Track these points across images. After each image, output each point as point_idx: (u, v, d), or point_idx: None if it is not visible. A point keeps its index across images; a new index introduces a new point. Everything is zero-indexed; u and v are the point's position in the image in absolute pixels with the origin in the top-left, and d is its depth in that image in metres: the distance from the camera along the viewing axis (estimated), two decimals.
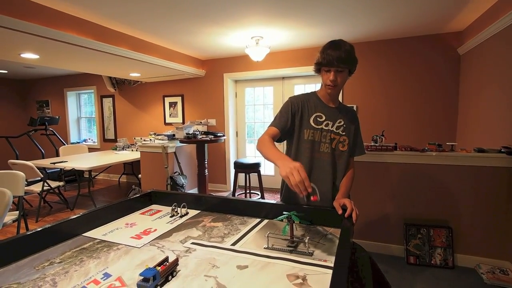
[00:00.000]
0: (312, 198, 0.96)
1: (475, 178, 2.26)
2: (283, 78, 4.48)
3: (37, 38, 2.51)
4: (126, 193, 4.74)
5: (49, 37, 2.51)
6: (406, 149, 2.46)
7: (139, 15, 2.75)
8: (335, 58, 1.19)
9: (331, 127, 1.31)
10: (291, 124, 1.31)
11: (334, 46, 1.22)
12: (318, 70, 1.30)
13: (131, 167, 5.42)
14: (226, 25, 3.09)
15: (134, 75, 4.70)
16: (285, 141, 1.40)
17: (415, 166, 2.42)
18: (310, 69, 4.13)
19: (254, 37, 3.48)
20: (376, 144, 2.53)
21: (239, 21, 2.96)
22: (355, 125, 1.38)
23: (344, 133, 1.32)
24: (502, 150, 2.21)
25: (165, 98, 5.20)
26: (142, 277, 0.71)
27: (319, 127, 1.31)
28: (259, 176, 3.62)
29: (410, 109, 3.67)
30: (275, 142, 1.23)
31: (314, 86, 4.38)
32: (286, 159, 1.00)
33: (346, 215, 1.06)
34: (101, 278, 0.77)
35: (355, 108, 3.92)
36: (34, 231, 0.95)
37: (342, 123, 1.33)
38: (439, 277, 2.17)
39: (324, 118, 1.31)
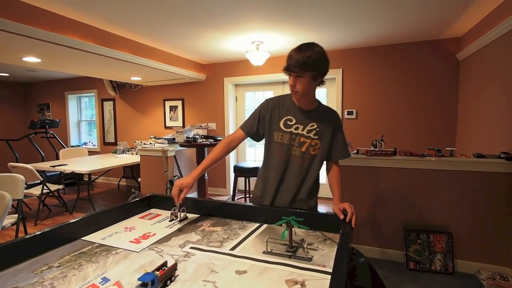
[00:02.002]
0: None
1: (475, 184, 2.26)
2: (283, 82, 4.50)
3: (39, 42, 2.53)
4: (126, 196, 4.73)
5: (51, 41, 2.54)
6: (406, 154, 2.47)
7: (141, 19, 2.77)
8: (293, 62, 1.16)
9: (301, 130, 1.31)
10: (257, 128, 1.37)
11: (298, 50, 1.18)
12: (285, 73, 1.26)
13: (131, 171, 5.42)
14: (227, 30, 3.12)
15: (135, 79, 4.72)
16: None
17: (415, 171, 2.42)
18: None
19: (255, 42, 3.50)
20: (376, 149, 2.54)
21: (240, 26, 2.98)
22: (333, 128, 1.33)
23: (316, 137, 1.30)
24: (501, 156, 2.21)
25: (166, 102, 5.22)
26: (140, 282, 0.70)
27: (289, 130, 1.31)
28: None
29: (410, 114, 3.68)
30: (253, 139, 1.39)
31: None
32: (190, 174, 1.27)
33: (347, 220, 1.06)
34: (100, 283, 0.77)
35: (354, 113, 3.93)
36: (33, 234, 0.95)
37: (315, 126, 1.31)
38: (439, 283, 2.16)
39: (294, 121, 1.32)
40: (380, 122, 3.82)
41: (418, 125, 3.65)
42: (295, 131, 1.31)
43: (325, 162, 1.38)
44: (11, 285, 0.76)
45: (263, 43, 3.55)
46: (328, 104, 4.44)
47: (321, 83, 1.26)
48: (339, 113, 4.02)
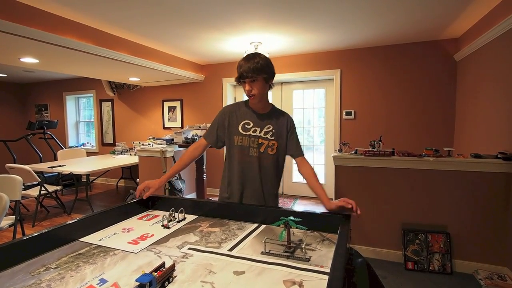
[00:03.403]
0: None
1: (473, 184, 2.27)
2: (282, 83, 4.51)
3: (37, 42, 2.52)
4: (124, 197, 4.71)
5: (49, 41, 2.53)
6: (404, 154, 2.47)
7: (139, 20, 2.77)
8: (246, 69, 1.30)
9: (259, 132, 1.41)
10: (217, 135, 1.48)
11: (246, 59, 1.33)
12: (238, 82, 1.39)
13: (130, 172, 5.40)
14: (226, 31, 3.12)
15: (134, 79, 4.71)
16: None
17: (413, 171, 2.42)
18: (308, 75, 4.17)
19: (253, 42, 3.51)
20: (374, 149, 2.54)
21: (239, 26, 2.99)
22: (287, 129, 1.45)
23: (273, 138, 1.41)
24: (499, 156, 2.22)
25: (164, 102, 5.22)
26: (138, 283, 0.70)
27: (247, 133, 1.41)
28: None
29: (408, 114, 3.70)
30: (215, 147, 1.51)
31: (312, 91, 4.40)
32: (159, 178, 1.42)
33: (354, 208, 1.12)
34: (97, 284, 0.77)
35: (352, 113, 3.94)
36: (30, 236, 0.95)
37: (271, 128, 1.42)
38: (437, 283, 2.17)
39: (251, 125, 1.42)
40: (378, 122, 3.83)
41: (416, 126, 3.66)
42: (253, 134, 1.41)
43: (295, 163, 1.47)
44: (8, 287, 0.76)
45: (261, 43, 3.55)
46: (327, 105, 4.43)
47: (271, 86, 1.43)
48: (338, 113, 4.02)
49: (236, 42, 3.52)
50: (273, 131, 1.42)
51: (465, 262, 2.30)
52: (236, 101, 1.54)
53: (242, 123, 1.43)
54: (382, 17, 2.78)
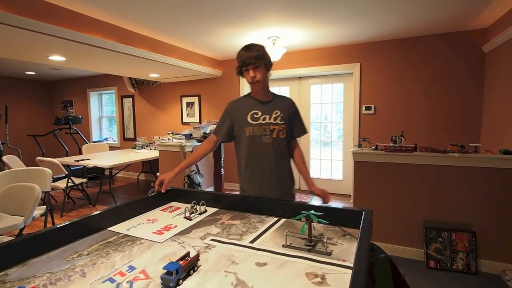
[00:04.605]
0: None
1: (501, 181, 2.17)
2: (299, 78, 4.46)
3: (63, 41, 2.63)
4: (145, 190, 4.87)
5: (75, 40, 2.63)
6: (427, 150, 2.39)
7: (158, 15, 2.81)
8: (249, 56, 1.39)
9: (269, 119, 1.47)
10: (226, 130, 1.54)
11: (246, 48, 1.42)
12: (240, 73, 1.47)
13: (150, 166, 5.56)
14: (243, 26, 3.12)
15: (153, 75, 4.82)
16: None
17: (436, 167, 2.34)
18: (326, 69, 4.11)
19: (271, 37, 3.49)
20: (396, 145, 2.48)
21: (256, 21, 2.97)
22: (292, 111, 1.54)
23: (282, 122, 1.48)
24: None
25: (183, 98, 5.31)
26: (165, 270, 0.73)
27: (257, 122, 1.47)
28: None
29: (430, 109, 3.56)
30: (225, 142, 1.60)
31: (331, 85, 4.33)
32: (172, 170, 1.48)
33: (326, 201, 1.40)
34: (126, 271, 0.81)
35: (372, 108, 3.84)
36: (63, 224, 1.01)
37: (279, 113, 1.49)
38: (461, 282, 2.10)
39: (260, 113, 1.48)
40: (398, 117, 3.72)
41: (439, 121, 3.53)
42: (263, 122, 1.47)
43: None
44: (45, 271, 0.81)
45: (279, 38, 3.52)
46: (346, 99, 4.36)
47: (269, 73, 1.51)
48: (357, 108, 3.94)
49: (253, 37, 3.51)
50: (282, 115, 1.49)
51: (491, 262, 2.21)
52: (241, 96, 1.64)
53: (250, 113, 1.49)
54: (403, 8, 2.68)
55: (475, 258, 2.21)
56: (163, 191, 1.41)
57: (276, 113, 1.49)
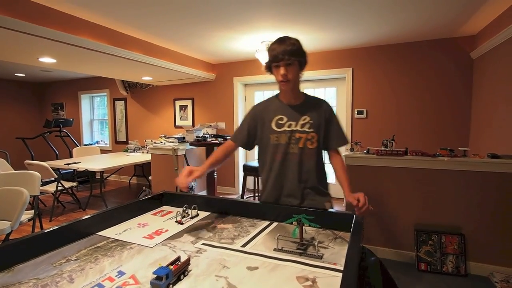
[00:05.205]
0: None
1: (489, 184, 2.21)
2: None
3: (54, 42, 2.60)
4: (137, 194, 4.81)
5: (66, 42, 2.60)
6: (418, 154, 2.43)
7: (151, 19, 2.81)
8: (281, 51, 1.20)
9: (295, 126, 1.30)
10: (248, 137, 1.39)
11: (279, 41, 1.24)
12: (269, 68, 1.30)
13: (142, 169, 5.50)
14: (237, 30, 3.13)
15: (146, 78, 4.79)
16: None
17: (426, 171, 2.38)
18: (319, 73, 4.15)
19: (264, 41, 3.51)
20: (387, 149, 2.51)
21: (250, 25, 2.99)
22: (327, 117, 1.34)
23: (311, 130, 1.29)
24: None
25: (176, 101, 5.28)
26: (155, 276, 0.72)
27: (282, 129, 1.31)
28: None
29: (421, 113, 3.63)
30: (245, 149, 1.44)
31: (323, 90, 4.37)
32: (202, 166, 1.29)
33: (360, 204, 1.11)
34: (116, 276, 0.80)
35: (364, 112, 3.89)
36: (51, 229, 0.99)
37: (308, 119, 1.30)
38: (451, 285, 2.13)
39: (285, 119, 1.32)
40: (390, 121, 3.78)
41: (429, 125, 3.59)
42: (289, 129, 1.31)
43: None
44: (32, 276, 0.80)
45: None
46: (338, 103, 4.39)
47: (302, 73, 1.32)
48: (349, 112, 3.98)
49: (247, 41, 3.53)
50: (311, 122, 1.30)
51: (480, 265, 2.25)
52: (267, 98, 1.43)
53: (275, 119, 1.33)
54: (395, 15, 2.73)
55: (464, 261, 2.25)
56: (190, 180, 1.20)
57: (305, 119, 1.30)
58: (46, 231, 0.98)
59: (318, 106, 1.34)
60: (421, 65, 3.58)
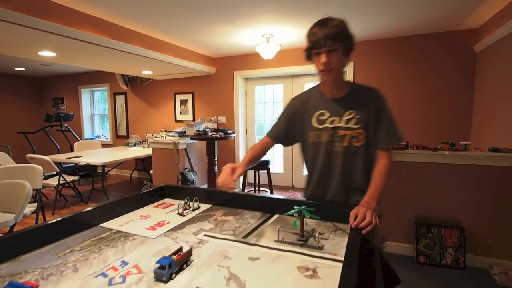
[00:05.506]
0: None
1: (490, 178, 2.22)
2: (293, 76, 4.48)
3: (54, 36, 2.59)
4: (138, 188, 4.83)
5: (66, 35, 2.59)
6: (418, 148, 2.43)
7: (152, 12, 2.79)
8: (322, 36, 1.03)
9: (338, 123, 1.15)
10: (285, 132, 1.27)
11: (320, 24, 1.06)
12: (309, 56, 1.13)
13: (143, 163, 5.52)
14: (237, 23, 3.11)
15: (146, 72, 4.78)
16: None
17: (427, 165, 2.39)
18: None
19: (265, 35, 3.49)
20: None
21: (250, 18, 2.97)
22: (376, 110, 1.14)
23: (357, 126, 1.13)
24: None
25: (176, 95, 5.27)
26: (158, 265, 0.74)
27: (323, 126, 1.17)
28: (269, 173, 3.64)
29: (422, 107, 3.62)
30: (282, 146, 1.32)
31: None
32: (241, 163, 1.20)
33: (353, 225, 0.94)
34: (119, 265, 0.81)
35: None
36: (55, 220, 1.00)
37: (353, 114, 1.14)
38: (449, 277, 2.15)
39: (327, 115, 1.17)
40: None
41: (431, 119, 3.59)
42: (331, 126, 1.16)
43: None
44: (37, 266, 0.81)
45: (273, 36, 3.53)
46: None
47: (348, 61, 1.13)
48: None
49: (247, 35, 3.51)
50: (358, 117, 1.13)
51: (479, 257, 2.27)
52: (308, 89, 1.28)
53: (316, 115, 1.19)
54: (396, 9, 2.71)
55: (463, 254, 2.27)
56: (235, 179, 1.10)
57: (350, 114, 1.14)
58: (50, 222, 0.99)
59: (366, 97, 1.16)
60: (422, 59, 3.56)
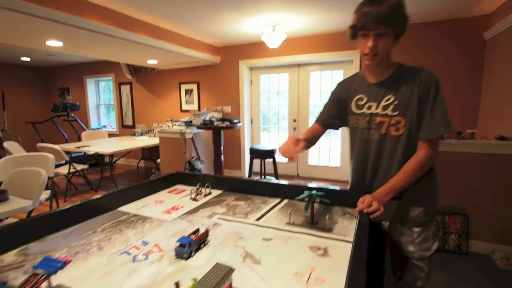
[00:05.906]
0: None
1: (495, 166, 2.23)
2: (299, 65, 4.45)
3: (62, 25, 2.60)
4: (146, 177, 4.92)
5: (73, 24, 2.60)
6: None
7: (157, 1, 2.78)
8: (373, 17, 0.91)
9: (375, 109, 1.06)
10: (330, 116, 1.23)
11: (373, 1, 0.93)
12: (354, 35, 1.02)
13: (149, 153, 5.58)
14: (243, 11, 3.09)
15: (152, 62, 4.78)
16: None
17: None
18: (326, 56, 4.09)
19: (271, 23, 3.46)
20: None
21: (256, 6, 2.95)
22: (421, 94, 1.00)
23: (396, 113, 1.02)
24: None
25: (181, 85, 5.28)
26: (179, 243, 0.78)
27: (361, 111, 1.11)
28: (274, 162, 3.68)
29: None
30: (332, 130, 1.29)
31: (330, 73, 4.33)
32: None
33: (356, 209, 0.97)
34: (141, 245, 0.86)
35: None
36: (77, 203, 1.05)
37: (392, 100, 1.03)
38: (452, 262, 2.20)
39: (365, 100, 1.10)
40: None
41: None
42: (368, 111, 1.08)
43: None
44: (64, 245, 0.86)
45: (279, 24, 3.50)
46: None
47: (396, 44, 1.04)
48: None
49: (252, 23, 3.48)
50: (396, 103, 1.02)
51: (481, 243, 2.31)
52: (354, 73, 1.23)
53: (355, 99, 1.13)
54: None
55: (466, 239, 2.31)
56: (298, 150, 1.04)
57: (388, 99, 1.03)
58: (73, 205, 1.04)
59: (410, 80, 1.02)
60: (429, 46, 3.51)
